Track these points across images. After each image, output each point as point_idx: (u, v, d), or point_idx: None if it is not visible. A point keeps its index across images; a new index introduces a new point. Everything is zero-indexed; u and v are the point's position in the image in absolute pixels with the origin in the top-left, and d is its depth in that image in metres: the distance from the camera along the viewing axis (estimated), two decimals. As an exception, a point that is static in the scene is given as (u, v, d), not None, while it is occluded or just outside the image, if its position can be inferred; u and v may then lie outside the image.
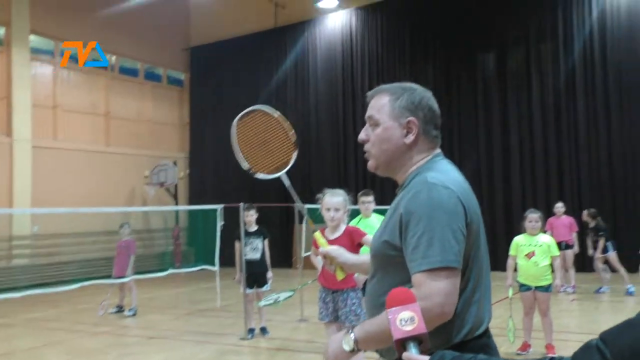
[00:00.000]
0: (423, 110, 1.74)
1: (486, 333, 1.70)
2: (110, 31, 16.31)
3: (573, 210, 12.74)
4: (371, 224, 5.88)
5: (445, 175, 1.66)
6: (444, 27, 14.63)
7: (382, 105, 1.75)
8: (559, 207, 9.98)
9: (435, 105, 1.78)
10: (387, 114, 1.73)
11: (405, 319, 1.33)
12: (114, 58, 16.88)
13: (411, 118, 1.72)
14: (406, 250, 1.59)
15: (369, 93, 1.83)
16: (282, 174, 2.41)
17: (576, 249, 9.86)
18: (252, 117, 2.55)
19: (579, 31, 13.25)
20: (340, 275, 2.14)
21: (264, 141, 2.54)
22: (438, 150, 1.79)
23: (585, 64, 13.17)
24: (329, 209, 4.25)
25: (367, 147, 1.79)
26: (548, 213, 9.40)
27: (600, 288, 9.67)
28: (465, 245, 1.59)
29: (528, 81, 13.75)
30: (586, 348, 1.13)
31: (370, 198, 6.09)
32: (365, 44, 15.88)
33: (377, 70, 15.54)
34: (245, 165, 2.47)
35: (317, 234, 2.35)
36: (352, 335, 1.64)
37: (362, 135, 1.80)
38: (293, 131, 2.49)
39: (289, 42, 17.11)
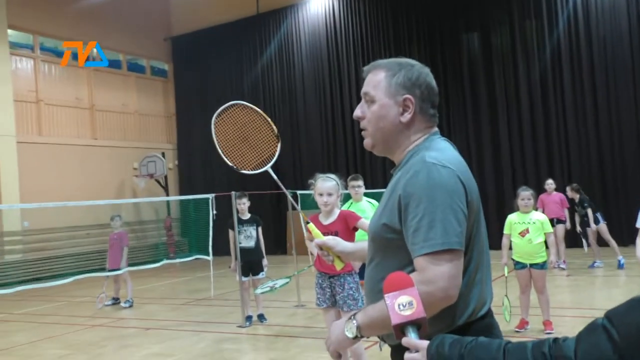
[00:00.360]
0: (420, 87, 1.67)
1: (489, 313, 1.67)
2: (89, 23, 16.07)
3: (563, 186, 12.87)
4: (362, 207, 5.93)
5: (443, 154, 1.61)
6: (428, 7, 14.58)
7: (378, 81, 1.69)
8: (550, 183, 10.05)
9: (433, 82, 1.71)
10: (383, 90, 1.68)
11: (403, 304, 1.31)
12: (94, 50, 16.64)
13: (408, 96, 1.66)
14: (406, 233, 1.54)
15: (365, 68, 1.77)
16: (267, 167, 2.39)
17: (568, 224, 10.02)
18: (230, 112, 2.51)
19: (562, 7, 13.26)
20: (339, 265, 2.13)
21: (245, 136, 2.50)
22: (435, 129, 1.73)
23: (570, 40, 13.21)
24: (321, 194, 4.23)
25: (363, 124, 1.74)
26: (538, 190, 9.46)
27: (595, 262, 9.75)
28: (467, 225, 1.55)
29: (514, 59, 13.77)
30: (592, 328, 1.12)
31: (360, 182, 6.14)
32: (349, 26, 15.79)
33: (362, 52, 15.47)
34: (229, 162, 2.47)
35: (311, 226, 2.31)
36: (354, 322, 1.60)
37: (357, 112, 1.75)
38: (273, 124, 2.47)
39: (272, 28, 16.96)
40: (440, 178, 1.52)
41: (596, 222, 9.52)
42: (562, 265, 9.44)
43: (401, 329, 1.32)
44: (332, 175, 4.40)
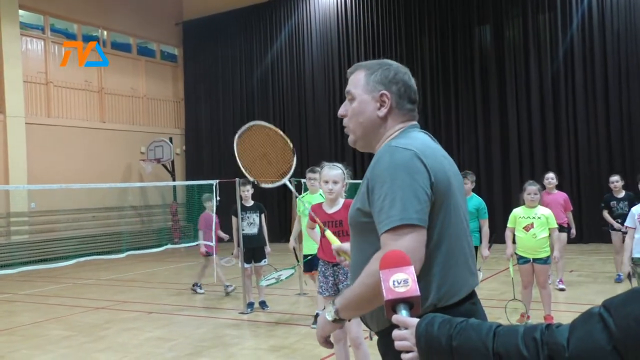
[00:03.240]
0: (397, 84, 1.77)
1: (469, 300, 1.68)
2: (100, 5, 16.07)
3: (571, 184, 12.78)
4: (314, 201, 5.97)
5: (410, 140, 1.68)
6: (441, -1, 14.44)
7: (358, 80, 1.81)
8: (550, 178, 7.83)
9: (410, 81, 1.81)
10: (362, 88, 1.79)
11: (398, 281, 1.30)
12: (105, 33, 16.64)
13: (384, 91, 1.76)
14: (374, 214, 1.60)
15: (349, 70, 1.89)
16: (285, 180, 2.68)
17: (573, 232, 8.00)
18: (249, 133, 2.84)
19: (577, 1, 13.09)
20: None
21: (263, 154, 2.82)
22: (413, 122, 1.81)
23: (584, 35, 13.05)
24: (327, 182, 4.23)
25: (345, 122, 1.85)
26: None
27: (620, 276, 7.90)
28: (433, 206, 1.59)
29: (526, 54, 13.62)
30: (588, 316, 1.08)
31: (317, 175, 6.16)
32: (360, 17, 15.67)
33: (373, 44, 15.36)
34: (250, 178, 2.88)
35: (328, 233, 2.38)
36: (333, 305, 1.67)
37: (341, 110, 1.87)
38: (289, 140, 2.81)
39: (283, 16, 16.87)
40: (402, 159, 1.59)
41: None
42: (560, 286, 7.62)
43: (393, 307, 1.31)
44: (339, 164, 4.39)
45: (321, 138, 16.12)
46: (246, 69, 17.49)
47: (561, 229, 7.42)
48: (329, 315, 1.68)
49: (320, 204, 4.46)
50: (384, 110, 1.77)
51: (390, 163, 1.59)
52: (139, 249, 10.35)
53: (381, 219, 1.56)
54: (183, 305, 7.82)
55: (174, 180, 16.62)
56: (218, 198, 8.42)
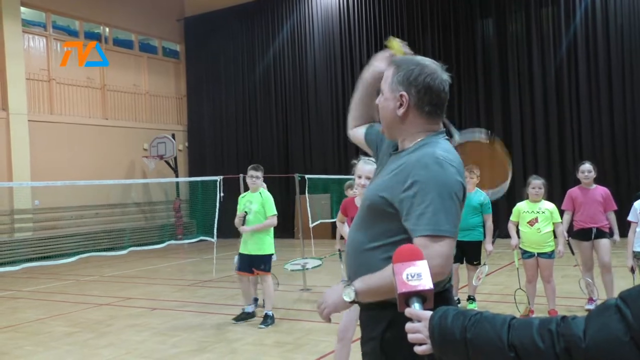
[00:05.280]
0: (417, 87, 1.84)
1: (448, 289, 1.93)
2: (102, 2, 16.05)
3: (574, 177, 12.70)
4: (254, 199, 6.21)
5: (450, 154, 1.83)
6: (444, -8, 14.37)
7: (387, 77, 1.92)
8: (587, 171, 6.10)
9: (434, 82, 1.84)
10: (388, 85, 1.90)
11: (412, 274, 1.34)
12: (107, 30, 16.62)
13: (402, 92, 1.85)
14: (409, 214, 1.75)
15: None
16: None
17: (616, 237, 6.12)
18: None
19: (580, -5, 13.01)
20: None
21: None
22: (440, 128, 1.93)
23: (587, 29, 12.97)
24: (360, 176, 4.11)
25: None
26: (550, 180, 9.28)
27: None
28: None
29: (529, 48, 13.55)
30: (604, 308, 1.08)
31: (259, 173, 6.26)
32: (362, 12, 15.61)
33: (375, 39, 15.28)
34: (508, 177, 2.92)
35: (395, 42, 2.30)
36: (352, 287, 1.77)
37: (376, 100, 2.01)
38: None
39: (285, 12, 16.82)
40: (449, 176, 1.76)
41: None
42: (588, 306, 6.08)
43: (406, 300, 1.33)
44: (373, 159, 4.29)
45: (324, 133, 16.09)
46: (248, 64, 17.46)
47: (601, 234, 6.04)
48: (347, 297, 1.78)
49: (352, 199, 4.42)
50: (402, 110, 1.87)
51: (439, 176, 1.75)
52: (142, 245, 10.36)
53: (421, 222, 1.72)
54: (186, 301, 7.82)
55: (176, 176, 16.63)
56: (222, 194, 8.42)
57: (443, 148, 1.83)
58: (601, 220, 6.07)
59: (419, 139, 1.88)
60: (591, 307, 6.01)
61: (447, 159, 1.78)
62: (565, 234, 5.98)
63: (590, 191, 6.12)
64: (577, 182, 6.35)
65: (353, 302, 1.80)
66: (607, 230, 6.09)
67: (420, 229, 1.71)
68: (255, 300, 7.10)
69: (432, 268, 1.58)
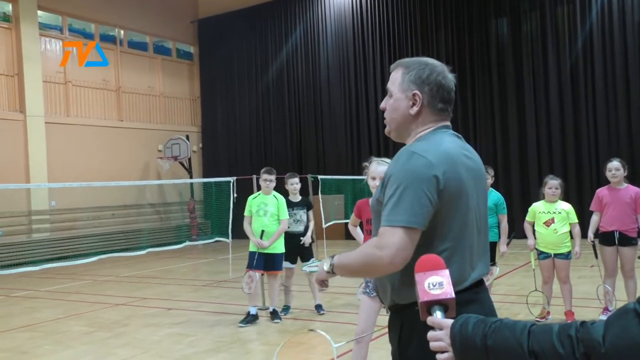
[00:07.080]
0: (430, 85, 1.88)
1: (471, 289, 1.81)
2: (117, 5, 16.20)
3: (590, 178, 12.58)
4: (267, 201, 6.33)
5: (432, 145, 1.81)
6: (457, -8, 14.30)
7: (395, 78, 1.95)
8: (615, 169, 5.71)
9: (445, 80, 1.90)
10: (398, 86, 1.93)
11: (433, 283, 1.36)
12: (122, 32, 16.78)
13: (415, 91, 1.89)
14: (382, 207, 1.80)
15: (391, 66, 2.03)
16: None
17: None
18: None
19: (596, -7, 12.88)
20: None
21: None
22: (445, 123, 1.93)
23: (603, 27, 12.83)
24: (374, 178, 4.08)
25: (385, 115, 2.02)
26: (566, 181, 9.18)
27: None
28: (440, 210, 1.75)
29: (544, 46, 13.44)
30: (623, 312, 1.08)
31: (273, 177, 6.38)
32: (375, 13, 15.58)
33: (388, 39, 15.27)
34: None
35: None
36: (331, 259, 1.93)
37: (382, 104, 2.03)
38: None
39: (298, 13, 16.85)
40: (415, 165, 1.75)
41: None
42: (602, 317, 4.87)
43: (428, 308, 1.35)
44: (388, 160, 4.27)
45: (337, 134, 16.09)
46: (261, 65, 17.52)
47: (624, 240, 5.56)
48: (326, 266, 1.95)
49: (367, 200, 4.40)
50: (415, 109, 1.90)
51: (405, 166, 1.77)
52: (157, 246, 10.44)
53: (385, 213, 1.75)
54: (202, 301, 7.87)
55: (191, 177, 16.73)
56: (235, 195, 8.46)
57: (429, 140, 1.85)
58: (628, 224, 5.58)
59: (418, 136, 1.92)
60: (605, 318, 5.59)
61: (420, 150, 1.78)
62: (591, 236, 5.85)
63: (620, 191, 5.67)
64: (594, 181, 6.30)
65: (329, 272, 1.93)
66: (633, 235, 5.60)
67: (383, 220, 1.75)
68: (287, 308, 6.94)
69: (382, 257, 1.69)
